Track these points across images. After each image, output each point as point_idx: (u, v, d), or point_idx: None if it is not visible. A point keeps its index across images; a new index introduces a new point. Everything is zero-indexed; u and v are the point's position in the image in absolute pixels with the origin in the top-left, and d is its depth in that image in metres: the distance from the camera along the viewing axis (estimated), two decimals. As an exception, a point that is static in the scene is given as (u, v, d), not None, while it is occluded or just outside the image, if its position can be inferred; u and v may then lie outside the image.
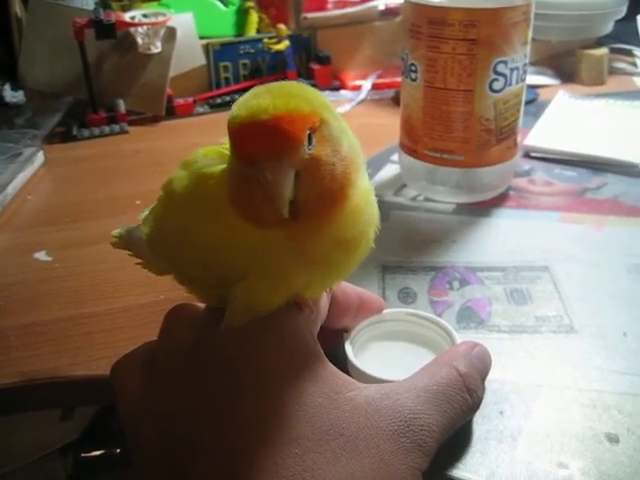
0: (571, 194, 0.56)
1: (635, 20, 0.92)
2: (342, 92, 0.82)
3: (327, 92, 0.80)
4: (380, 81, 0.83)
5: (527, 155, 0.63)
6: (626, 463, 0.31)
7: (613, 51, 0.89)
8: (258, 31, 0.83)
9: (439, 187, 0.54)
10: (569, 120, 0.70)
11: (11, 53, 0.76)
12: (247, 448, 0.25)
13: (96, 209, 0.57)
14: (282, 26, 0.80)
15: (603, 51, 0.84)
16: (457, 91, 0.50)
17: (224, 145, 0.29)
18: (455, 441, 0.30)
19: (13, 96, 0.73)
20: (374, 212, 0.29)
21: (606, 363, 0.37)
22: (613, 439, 0.32)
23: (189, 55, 0.78)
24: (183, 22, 0.77)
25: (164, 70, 0.76)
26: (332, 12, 0.83)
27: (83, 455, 0.61)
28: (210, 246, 0.28)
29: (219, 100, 0.79)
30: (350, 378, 0.29)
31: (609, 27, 0.85)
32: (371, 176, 0.59)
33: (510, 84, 0.50)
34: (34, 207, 0.58)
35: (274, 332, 0.28)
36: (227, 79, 0.81)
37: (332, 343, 0.35)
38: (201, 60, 0.79)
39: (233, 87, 0.80)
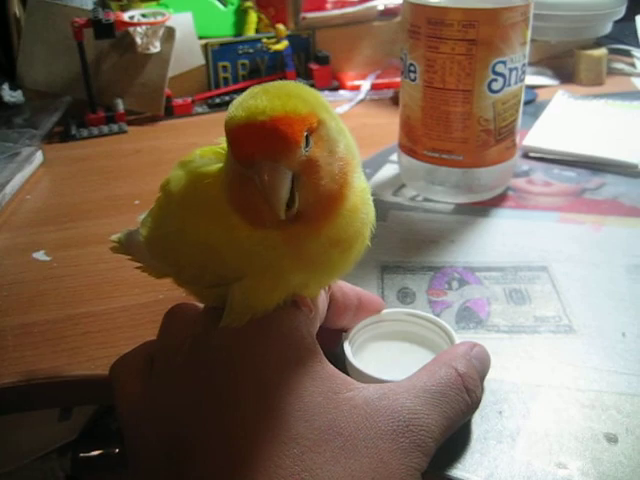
0: (570, 194, 0.56)
1: (634, 21, 0.92)
2: (341, 92, 0.82)
3: (326, 92, 0.80)
4: (379, 81, 0.83)
5: (526, 155, 0.63)
6: (625, 463, 0.31)
7: (612, 51, 0.89)
8: (257, 31, 0.83)
9: (438, 187, 0.54)
10: (568, 120, 0.70)
11: (10, 53, 0.76)
12: (246, 448, 0.25)
13: (95, 209, 0.57)
14: (281, 26, 0.80)
15: (602, 51, 0.84)
16: (456, 91, 0.50)
17: (220, 145, 0.29)
18: (454, 441, 0.30)
19: (12, 96, 0.73)
20: (370, 211, 0.29)
21: (605, 363, 0.37)
22: (612, 439, 0.32)
23: (188, 55, 0.78)
24: (182, 22, 0.77)
25: (163, 70, 0.76)
26: (331, 12, 0.83)
27: (81, 455, 0.61)
28: (207, 245, 0.28)
29: (218, 100, 0.79)
30: (349, 378, 0.29)
31: (608, 28, 0.85)
32: (370, 176, 0.59)
33: (509, 84, 0.50)
34: (33, 207, 0.58)
35: (273, 331, 0.28)
36: (226, 79, 0.81)
37: (331, 343, 0.35)
38: (200, 60, 0.79)
39: (232, 87, 0.80)
